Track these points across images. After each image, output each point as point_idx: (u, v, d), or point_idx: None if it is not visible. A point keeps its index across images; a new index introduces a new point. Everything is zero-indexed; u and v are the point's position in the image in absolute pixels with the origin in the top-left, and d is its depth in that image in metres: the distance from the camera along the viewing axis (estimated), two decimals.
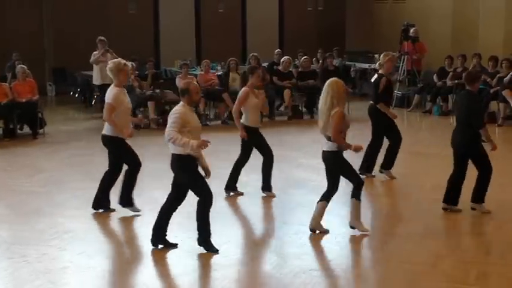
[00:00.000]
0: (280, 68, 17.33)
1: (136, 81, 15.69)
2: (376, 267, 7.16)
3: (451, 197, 8.81)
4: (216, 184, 10.33)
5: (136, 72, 15.95)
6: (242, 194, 9.83)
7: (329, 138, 7.83)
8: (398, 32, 19.26)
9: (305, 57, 17.87)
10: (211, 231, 7.54)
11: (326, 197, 8.13)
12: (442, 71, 17.32)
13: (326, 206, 8.12)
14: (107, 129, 9.00)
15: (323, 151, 7.96)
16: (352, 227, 8.12)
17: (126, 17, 20.72)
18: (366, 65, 20.52)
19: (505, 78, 15.51)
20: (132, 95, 15.29)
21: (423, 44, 18.61)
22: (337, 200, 9.55)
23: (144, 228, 8.40)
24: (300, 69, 17.72)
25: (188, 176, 7.47)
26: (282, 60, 17.42)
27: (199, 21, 22.41)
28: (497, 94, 15.52)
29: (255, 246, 7.82)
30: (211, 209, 7.51)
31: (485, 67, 16.65)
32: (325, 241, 7.92)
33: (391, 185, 10.52)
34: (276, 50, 19.24)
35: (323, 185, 10.11)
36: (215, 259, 7.40)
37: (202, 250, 7.62)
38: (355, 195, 8.08)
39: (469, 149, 8.72)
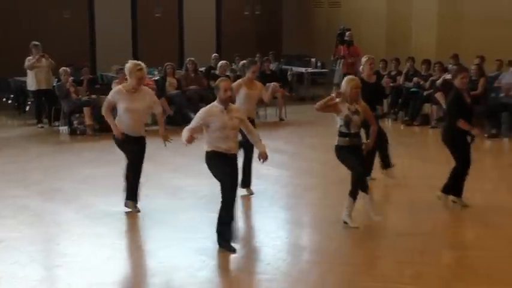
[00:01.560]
0: (217, 72, 17.31)
1: (72, 86, 15.48)
2: (314, 269, 7.19)
3: (453, 188, 9.29)
4: (156, 188, 10.29)
5: (72, 77, 15.74)
6: (252, 193, 10.01)
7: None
8: (334, 35, 19.50)
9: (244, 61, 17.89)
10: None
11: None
12: (376, 74, 17.50)
13: (367, 196, 8.45)
14: None
15: None
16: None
17: (61, 22, 20.43)
18: (303, 69, 20.69)
19: (437, 81, 15.80)
20: (67, 101, 15.19)
21: (357, 47, 18.86)
22: (275, 203, 9.61)
23: (78, 237, 8.30)
24: (238, 73, 17.73)
25: (213, 171, 7.70)
26: (219, 64, 17.41)
27: (136, 26, 22.27)
28: (431, 97, 15.81)
29: (192, 252, 7.78)
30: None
31: (418, 70, 16.96)
32: (263, 244, 7.93)
33: (327, 187, 10.61)
34: (213, 55, 19.24)
35: (256, 188, 10.17)
36: (152, 265, 7.34)
37: (140, 257, 7.56)
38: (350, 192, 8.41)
39: (446, 141, 9.19)
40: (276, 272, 7.08)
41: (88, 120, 15.10)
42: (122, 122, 8.94)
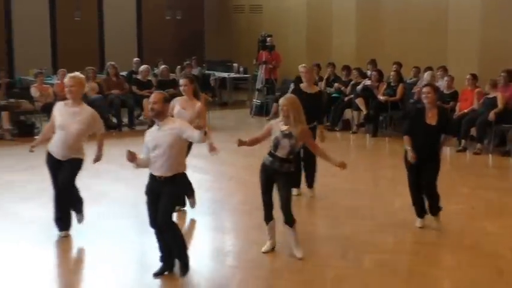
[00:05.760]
0: (139, 77, 17.21)
1: None
2: (236, 274, 7.21)
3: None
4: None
5: None
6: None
7: None
8: (256, 41, 19.61)
9: (164, 66, 17.84)
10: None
11: None
12: (298, 79, 17.67)
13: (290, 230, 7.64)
14: None
15: None
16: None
17: None
18: (225, 74, 20.73)
19: (357, 87, 16.08)
20: None
21: (278, 53, 19.02)
22: (197, 208, 9.57)
23: None
24: (159, 78, 17.67)
25: None
26: (140, 69, 17.30)
27: (55, 29, 21.90)
28: (351, 102, 16.06)
29: (119, 258, 7.70)
30: None
31: (339, 76, 17.22)
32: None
33: (248, 192, 10.65)
34: (135, 59, 19.09)
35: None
36: (80, 270, 7.23)
37: (66, 263, 7.45)
38: None
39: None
40: (198, 277, 7.07)
41: (6, 125, 14.76)
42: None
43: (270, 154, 7.46)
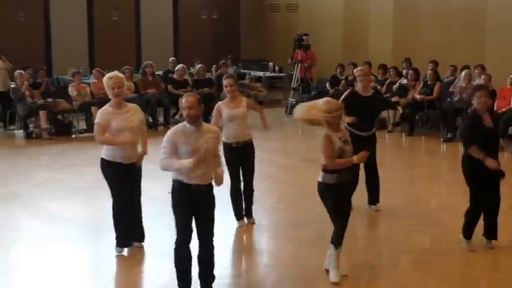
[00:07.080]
0: (175, 76, 17.29)
1: (27, 90, 15.30)
2: (271, 273, 7.22)
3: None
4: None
5: (31, 80, 15.62)
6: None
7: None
8: (291, 40, 19.57)
9: (200, 65, 17.90)
10: None
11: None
12: (334, 78, 17.68)
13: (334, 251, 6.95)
14: None
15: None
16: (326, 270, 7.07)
17: (15, 25, 20.19)
18: (261, 73, 20.73)
19: (394, 86, 15.97)
20: (22, 104, 15.01)
21: (314, 52, 18.97)
22: None
23: (34, 242, 8.19)
24: (195, 77, 17.73)
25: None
26: (176, 68, 17.38)
27: (92, 29, 22.09)
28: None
29: (151, 256, 7.74)
30: None
31: (375, 75, 17.13)
32: (221, 248, 7.91)
33: (284, 191, 10.64)
34: (171, 58, 19.19)
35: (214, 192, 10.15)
36: (111, 270, 7.28)
37: (99, 262, 7.51)
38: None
39: (463, 173, 7.78)
40: (233, 276, 7.09)
41: (44, 124, 14.93)
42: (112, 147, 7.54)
43: (333, 170, 6.98)
